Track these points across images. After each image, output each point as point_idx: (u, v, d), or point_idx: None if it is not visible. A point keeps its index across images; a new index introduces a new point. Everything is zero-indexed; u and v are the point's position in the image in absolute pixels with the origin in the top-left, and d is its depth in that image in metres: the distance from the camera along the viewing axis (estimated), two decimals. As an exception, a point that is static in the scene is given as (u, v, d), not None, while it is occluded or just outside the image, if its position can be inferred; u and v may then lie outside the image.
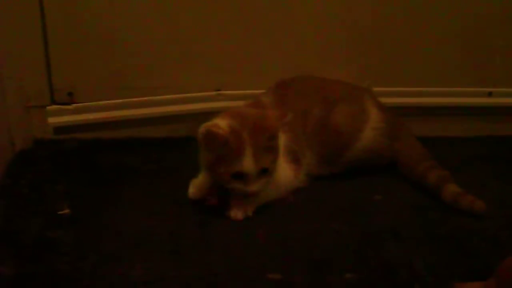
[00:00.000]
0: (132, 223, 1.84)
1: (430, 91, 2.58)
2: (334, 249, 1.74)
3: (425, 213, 1.95)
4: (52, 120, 2.31)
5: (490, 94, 2.61)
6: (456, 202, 1.94)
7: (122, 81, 2.36)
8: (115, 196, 2.00)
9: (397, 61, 2.52)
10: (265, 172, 1.82)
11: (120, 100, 2.35)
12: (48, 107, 2.31)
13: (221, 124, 1.81)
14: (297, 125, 2.06)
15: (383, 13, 2.46)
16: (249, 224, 1.85)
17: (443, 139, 2.57)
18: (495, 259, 1.43)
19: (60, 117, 2.32)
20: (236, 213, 1.87)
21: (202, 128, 1.78)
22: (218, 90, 2.43)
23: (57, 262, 1.62)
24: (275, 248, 1.73)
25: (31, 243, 1.71)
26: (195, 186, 1.98)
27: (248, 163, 1.78)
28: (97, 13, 2.27)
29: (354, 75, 2.45)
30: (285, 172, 1.98)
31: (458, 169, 2.16)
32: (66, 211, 1.87)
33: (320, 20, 2.43)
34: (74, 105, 2.32)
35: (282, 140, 1.96)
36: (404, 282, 1.59)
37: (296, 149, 2.03)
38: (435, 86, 2.58)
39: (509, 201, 2.03)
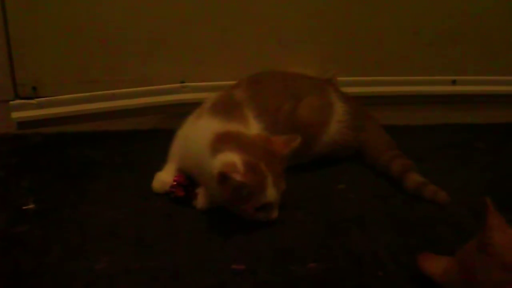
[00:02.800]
0: (97, 216, 1.84)
1: (395, 80, 2.60)
2: (298, 238, 1.75)
3: (389, 201, 1.97)
4: (15, 115, 2.29)
5: (454, 82, 2.64)
6: (419, 191, 1.96)
7: (86, 75, 2.36)
8: (81, 190, 1.99)
9: (361, 50, 2.54)
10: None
11: (84, 94, 2.34)
12: (11, 102, 2.29)
13: (237, 161, 1.74)
14: (270, 122, 2.05)
15: (346, 2, 2.47)
16: (214, 215, 1.85)
17: (408, 127, 2.60)
18: (458, 245, 1.44)
19: (24, 112, 2.29)
20: (202, 203, 1.87)
21: (218, 170, 1.71)
22: (183, 82, 2.43)
23: (22, 257, 1.62)
24: (239, 238, 1.74)
25: (-3, 239, 1.70)
26: (160, 180, 1.98)
27: (272, 194, 1.77)
28: (59, 7, 2.26)
29: (318, 65, 2.48)
30: None
31: (424, 157, 2.20)
32: (31, 206, 1.87)
33: (283, 11, 2.44)
34: (38, 99, 2.30)
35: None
36: (368, 270, 1.60)
37: None
38: (400, 75, 2.60)
39: (474, 188, 2.05)
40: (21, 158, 2.20)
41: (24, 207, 1.86)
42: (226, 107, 2.01)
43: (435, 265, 1.46)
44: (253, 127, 1.97)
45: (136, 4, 2.31)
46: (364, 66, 2.57)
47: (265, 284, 1.55)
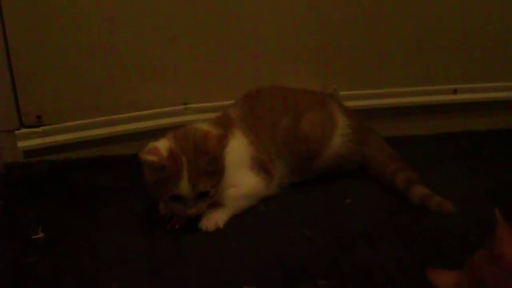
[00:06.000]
0: (107, 242, 1.85)
1: (396, 91, 2.61)
2: (308, 256, 1.75)
3: (396, 215, 1.97)
4: (21, 143, 2.31)
5: (455, 91, 2.65)
6: (424, 203, 1.96)
7: (89, 101, 2.37)
8: (89, 216, 2.00)
9: (361, 64, 2.55)
10: (206, 195, 1.85)
11: (88, 120, 2.36)
12: (17, 131, 2.31)
13: (161, 147, 1.84)
14: (266, 137, 2.09)
15: (346, 16, 2.48)
16: (222, 236, 1.86)
17: (412, 138, 2.60)
18: (467, 257, 1.42)
19: (30, 140, 2.32)
20: (207, 225, 1.88)
21: (140, 154, 1.80)
22: (186, 104, 2.44)
23: (34, 287, 1.63)
24: (249, 258, 1.74)
25: (7, 270, 1.71)
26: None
27: (184, 187, 1.80)
28: (60, 35, 2.27)
29: (320, 81, 2.49)
30: (254, 182, 2.01)
31: (428, 168, 2.20)
32: (40, 235, 1.87)
33: (284, 29, 2.45)
34: (43, 127, 2.32)
35: (249, 152, 2.01)
36: (377, 286, 1.61)
37: (264, 159, 2.05)
38: (401, 86, 2.61)
39: (479, 198, 2.05)
40: (29, 187, 2.21)
41: (33, 237, 1.86)
42: (218, 120, 2.08)
43: (445, 279, 1.45)
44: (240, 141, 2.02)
45: (138, 28, 2.32)
46: (365, 79, 2.58)
47: (277, 304, 1.56)
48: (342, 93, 2.48)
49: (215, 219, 1.89)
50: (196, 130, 1.93)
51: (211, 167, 1.83)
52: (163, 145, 1.85)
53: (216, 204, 1.92)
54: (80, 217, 2.00)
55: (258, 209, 2.02)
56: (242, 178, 1.99)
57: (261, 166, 2.03)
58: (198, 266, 1.72)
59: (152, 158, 1.78)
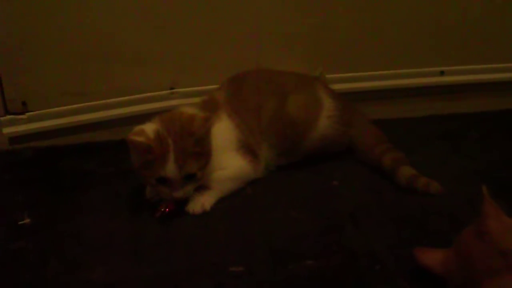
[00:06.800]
0: (93, 227, 1.84)
1: (383, 74, 2.60)
2: (295, 237, 1.75)
3: (383, 195, 1.96)
4: (7, 130, 2.30)
5: (442, 73, 2.64)
6: (411, 184, 1.95)
7: (74, 87, 2.35)
8: (75, 201, 1.99)
9: (347, 46, 2.53)
10: (192, 177, 1.84)
11: (74, 106, 2.35)
12: (2, 118, 2.30)
13: (148, 129, 1.84)
14: (251, 119, 2.08)
15: (331, 3, 2.47)
16: (209, 219, 1.86)
17: (399, 120, 2.58)
18: (454, 236, 1.44)
19: (15, 127, 2.31)
20: (194, 207, 1.88)
21: (127, 136, 1.80)
22: (172, 88, 2.43)
23: (19, 272, 1.62)
24: (236, 240, 1.74)
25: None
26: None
27: (171, 169, 1.79)
28: (44, 19, 2.25)
29: (306, 63, 2.48)
30: (241, 165, 2.00)
31: (416, 149, 2.21)
32: (27, 220, 1.86)
33: (270, 13, 2.43)
34: (28, 113, 2.31)
35: (235, 134, 2.01)
36: (365, 265, 1.61)
37: (251, 141, 2.05)
38: (388, 69, 2.60)
39: (467, 177, 2.05)
40: (15, 173, 2.20)
41: (19, 222, 1.85)
42: (203, 104, 2.08)
43: (432, 257, 1.46)
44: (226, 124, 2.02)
45: (122, 13, 2.30)
46: (352, 62, 2.57)
47: (264, 284, 1.56)
48: (328, 76, 2.47)
49: (202, 202, 1.89)
50: (182, 113, 1.92)
51: (197, 148, 1.82)
52: (149, 127, 1.84)
53: (203, 188, 1.91)
54: (66, 202, 1.99)
55: (245, 191, 2.01)
56: (229, 161, 1.99)
57: (247, 148, 2.03)
58: (184, 249, 1.71)
59: (139, 139, 1.78)
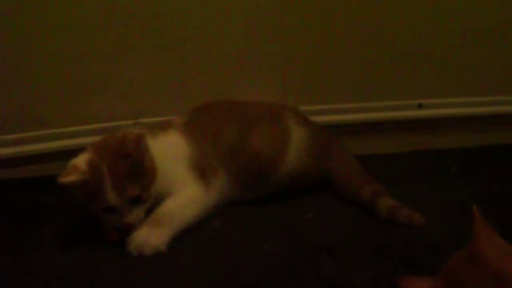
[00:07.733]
0: (49, 262, 1.70)
1: (359, 107, 2.52)
2: (266, 270, 1.63)
3: (361, 228, 1.86)
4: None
5: (420, 106, 2.56)
6: (392, 216, 1.85)
7: (32, 115, 2.24)
8: (31, 236, 1.86)
9: (321, 77, 2.46)
10: (138, 200, 1.73)
11: (30, 133, 2.23)
12: (-46, 147, 2.16)
13: (79, 162, 1.71)
14: (207, 144, 1.98)
15: (305, 30, 2.40)
16: (173, 252, 1.72)
17: (376, 156, 2.49)
18: (439, 266, 1.33)
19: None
20: (143, 248, 1.72)
21: (57, 179, 1.66)
22: (136, 118, 2.32)
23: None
24: (202, 274, 1.61)
25: None
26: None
27: (112, 197, 1.68)
28: (2, 44, 2.15)
29: (278, 95, 2.40)
30: (192, 189, 1.88)
31: (396, 184, 2.10)
32: (-22, 256, 1.73)
33: (240, 42, 2.37)
34: (-20, 142, 2.18)
35: (184, 149, 1.92)
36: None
37: (203, 165, 1.93)
38: (364, 101, 2.53)
39: (449, 209, 1.96)
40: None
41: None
42: (153, 125, 2.02)
43: (419, 286, 1.36)
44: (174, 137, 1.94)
45: (84, 38, 2.21)
46: (325, 94, 2.50)
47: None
48: (303, 108, 2.36)
49: (155, 243, 1.73)
50: (114, 136, 1.80)
51: (137, 168, 1.71)
52: (81, 159, 1.73)
53: (156, 220, 1.77)
54: (22, 237, 1.85)
55: (213, 224, 1.88)
56: (179, 182, 1.86)
57: (200, 171, 1.90)
58: (144, 283, 1.58)
59: (70, 178, 1.65)
